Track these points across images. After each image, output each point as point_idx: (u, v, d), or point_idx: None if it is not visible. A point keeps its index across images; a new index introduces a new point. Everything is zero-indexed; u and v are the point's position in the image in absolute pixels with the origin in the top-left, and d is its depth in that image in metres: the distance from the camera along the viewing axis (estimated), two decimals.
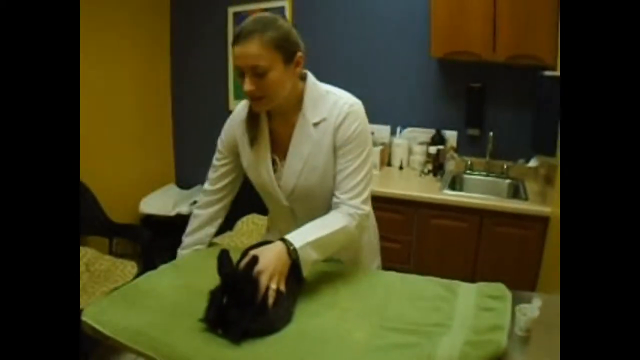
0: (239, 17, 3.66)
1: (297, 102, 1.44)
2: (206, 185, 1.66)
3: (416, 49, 3.22)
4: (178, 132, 4.20)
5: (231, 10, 3.69)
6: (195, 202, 3.71)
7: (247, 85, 1.31)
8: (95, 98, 3.29)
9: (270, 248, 1.26)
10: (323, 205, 1.49)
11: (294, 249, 1.26)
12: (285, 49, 1.33)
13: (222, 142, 1.60)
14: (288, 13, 3.49)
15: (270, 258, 1.23)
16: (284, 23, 1.35)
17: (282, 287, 1.21)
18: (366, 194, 1.45)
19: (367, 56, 3.42)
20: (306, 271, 1.29)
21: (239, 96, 3.68)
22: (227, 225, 3.00)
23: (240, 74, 1.33)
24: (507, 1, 2.64)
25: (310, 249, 1.29)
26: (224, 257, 1.19)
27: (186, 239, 1.66)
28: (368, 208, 1.46)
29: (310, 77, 1.47)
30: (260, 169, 1.51)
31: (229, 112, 1.58)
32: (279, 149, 1.49)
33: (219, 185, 1.63)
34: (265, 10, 3.53)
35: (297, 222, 1.50)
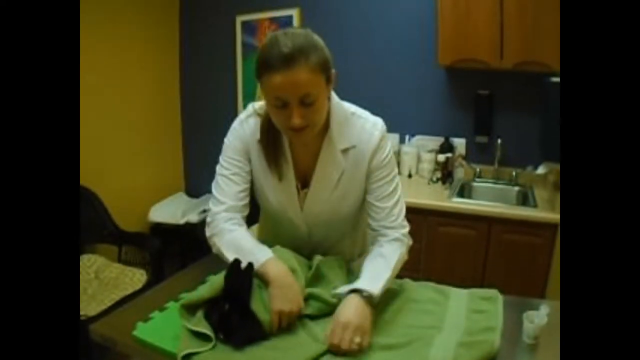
0: (247, 26, 3.70)
1: (322, 125, 1.28)
2: (227, 202, 1.38)
3: (424, 57, 3.23)
4: (187, 141, 4.23)
5: (239, 19, 3.72)
6: (204, 211, 3.75)
7: (297, 118, 1.15)
8: (105, 107, 3.34)
9: (349, 306, 1.17)
10: (344, 227, 1.48)
11: (372, 296, 1.21)
12: (327, 70, 1.19)
13: (234, 149, 1.39)
14: (296, 22, 3.51)
15: (355, 315, 1.15)
16: (317, 38, 1.19)
17: (367, 342, 1.14)
18: (404, 212, 1.42)
19: (376, 65, 3.43)
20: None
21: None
22: None
23: (282, 105, 1.15)
24: (514, 8, 2.64)
25: (383, 292, 1.25)
26: (234, 266, 1.20)
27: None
28: (407, 225, 1.42)
29: (334, 97, 1.34)
30: (282, 197, 1.40)
31: None
32: (300, 174, 1.38)
33: (242, 196, 1.40)
34: (274, 19, 3.55)
35: (312, 243, 1.49)
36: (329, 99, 1.30)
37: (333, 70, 1.23)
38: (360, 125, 1.35)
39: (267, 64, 1.12)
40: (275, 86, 1.12)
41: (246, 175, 1.41)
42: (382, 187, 1.37)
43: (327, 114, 1.30)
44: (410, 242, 1.43)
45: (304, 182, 1.39)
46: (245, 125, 1.40)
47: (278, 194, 1.40)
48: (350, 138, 1.34)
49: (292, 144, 1.36)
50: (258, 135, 1.37)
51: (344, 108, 1.36)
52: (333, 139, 1.33)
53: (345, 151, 1.34)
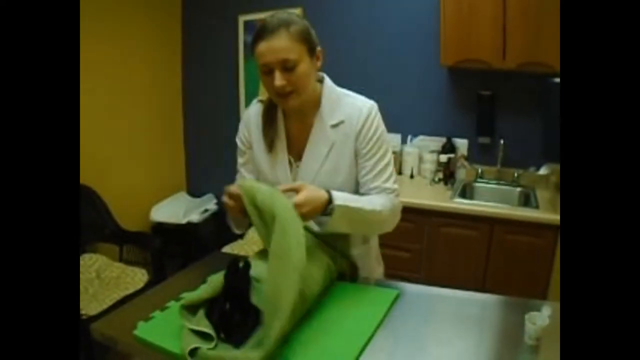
0: (249, 25, 3.70)
1: (314, 103, 1.45)
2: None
3: (426, 57, 3.23)
4: (189, 141, 4.23)
5: (242, 19, 3.72)
6: (206, 211, 3.76)
7: (278, 80, 1.30)
8: (107, 106, 3.34)
9: (316, 191, 1.29)
10: None
11: (332, 207, 1.29)
12: (310, 42, 1.35)
13: (243, 142, 1.58)
14: None
15: (313, 197, 1.27)
16: (301, 18, 1.37)
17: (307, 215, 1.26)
18: (397, 189, 1.48)
19: (378, 65, 3.43)
20: (329, 228, 1.32)
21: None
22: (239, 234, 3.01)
23: (268, 71, 1.32)
24: (517, 8, 2.64)
25: (345, 214, 1.32)
26: (232, 265, 1.20)
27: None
28: (399, 200, 1.49)
29: (328, 79, 1.49)
30: (276, 170, 1.51)
31: None
32: (294, 150, 1.50)
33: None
34: None
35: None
36: (321, 81, 1.47)
37: (319, 48, 1.39)
38: (350, 103, 1.46)
39: (256, 37, 1.32)
40: (260, 53, 1.31)
41: (251, 164, 1.59)
42: (373, 163, 1.44)
43: (320, 94, 1.46)
44: (398, 216, 1.50)
45: (297, 158, 1.50)
46: (245, 117, 1.58)
47: (272, 168, 1.52)
48: (340, 114, 1.45)
49: (287, 123, 1.50)
50: (260, 119, 1.52)
51: (336, 90, 1.49)
52: (324, 115, 1.45)
53: (335, 126, 1.45)
